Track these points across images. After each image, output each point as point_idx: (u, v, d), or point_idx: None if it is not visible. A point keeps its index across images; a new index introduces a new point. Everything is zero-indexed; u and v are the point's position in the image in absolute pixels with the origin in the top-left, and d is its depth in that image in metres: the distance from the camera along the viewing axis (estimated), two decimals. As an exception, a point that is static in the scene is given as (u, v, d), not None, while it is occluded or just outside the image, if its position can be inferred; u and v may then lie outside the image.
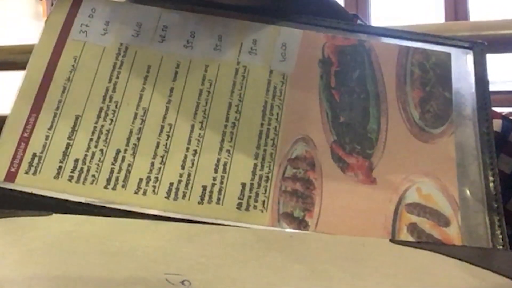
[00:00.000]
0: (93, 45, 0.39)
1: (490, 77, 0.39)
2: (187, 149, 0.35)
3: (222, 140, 0.36)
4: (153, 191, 0.34)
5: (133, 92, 0.37)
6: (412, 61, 0.39)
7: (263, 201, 0.34)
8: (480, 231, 0.33)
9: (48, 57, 0.38)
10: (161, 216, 0.33)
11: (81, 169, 0.34)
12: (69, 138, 0.35)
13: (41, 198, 0.33)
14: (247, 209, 0.33)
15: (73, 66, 0.38)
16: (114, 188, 0.34)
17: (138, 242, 0.27)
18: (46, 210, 0.31)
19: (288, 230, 0.33)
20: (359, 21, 0.47)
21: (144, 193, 0.34)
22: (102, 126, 0.36)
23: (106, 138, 0.35)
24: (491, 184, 0.34)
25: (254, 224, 0.33)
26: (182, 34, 0.39)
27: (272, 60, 0.39)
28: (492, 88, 0.39)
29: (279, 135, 0.36)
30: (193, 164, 0.35)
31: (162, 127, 0.36)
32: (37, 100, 0.37)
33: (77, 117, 0.36)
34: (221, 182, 0.34)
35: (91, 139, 0.35)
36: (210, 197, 0.34)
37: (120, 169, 0.34)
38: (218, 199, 0.34)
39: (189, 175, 0.34)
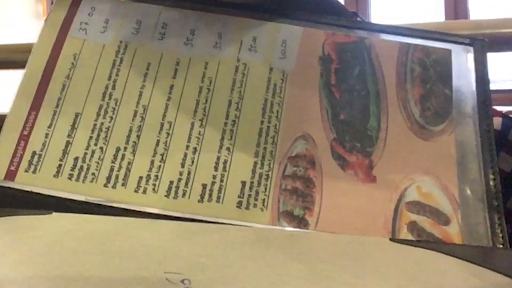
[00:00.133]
0: (92, 42, 0.38)
1: (490, 76, 0.39)
2: (187, 147, 0.35)
3: (222, 138, 0.35)
4: (153, 189, 0.34)
5: (132, 89, 0.37)
6: (412, 59, 0.39)
7: (263, 200, 0.34)
8: (480, 230, 0.33)
9: (47, 54, 0.38)
10: (161, 215, 0.33)
11: (81, 167, 0.34)
12: (69, 136, 0.35)
13: (41, 196, 0.33)
14: (247, 208, 0.33)
15: (72, 63, 0.38)
16: (114, 187, 0.34)
17: (138, 241, 0.27)
18: (46, 208, 0.31)
19: (288, 229, 0.33)
20: (358, 19, 0.47)
21: (144, 192, 0.34)
22: (102, 123, 0.36)
23: (106, 136, 0.35)
24: (492, 182, 0.34)
25: (254, 223, 0.33)
26: (182, 31, 0.39)
27: (272, 57, 0.39)
28: (492, 87, 0.39)
29: (279, 133, 0.36)
30: (193, 162, 0.35)
31: (162, 124, 0.36)
32: (36, 97, 0.37)
33: (76, 115, 0.36)
34: (221, 181, 0.34)
35: (90, 137, 0.35)
36: (210, 195, 0.34)
37: (120, 167, 0.34)
38: (218, 197, 0.34)
39: (189, 173, 0.34)
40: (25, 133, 0.35)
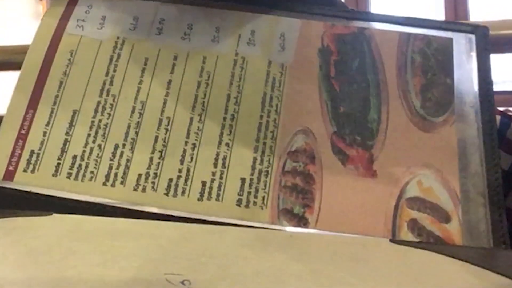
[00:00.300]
0: (89, 39, 0.38)
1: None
2: (186, 142, 0.35)
3: (221, 133, 0.35)
4: (152, 187, 0.34)
5: (130, 85, 0.37)
6: (413, 48, 0.39)
7: (263, 197, 0.34)
8: (480, 228, 0.33)
9: (44, 52, 0.37)
10: (160, 214, 0.33)
11: (80, 165, 0.34)
12: (67, 133, 0.35)
13: (40, 196, 0.33)
14: (247, 206, 0.33)
15: (69, 60, 0.37)
16: (113, 185, 0.34)
17: (138, 241, 0.27)
18: (45, 208, 0.31)
19: (289, 229, 0.33)
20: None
21: (144, 190, 0.34)
22: (100, 120, 0.36)
23: (104, 133, 0.35)
24: (493, 175, 0.34)
25: (254, 221, 0.33)
26: (179, 26, 0.39)
27: (270, 50, 0.38)
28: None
29: (278, 127, 0.36)
30: (192, 158, 0.35)
31: (161, 120, 0.36)
32: (34, 95, 0.36)
33: (74, 112, 0.36)
34: (221, 178, 0.34)
35: (89, 134, 0.35)
36: (210, 193, 0.34)
37: (119, 165, 0.34)
38: (218, 195, 0.33)
39: (188, 170, 0.34)
40: (23, 131, 0.35)
